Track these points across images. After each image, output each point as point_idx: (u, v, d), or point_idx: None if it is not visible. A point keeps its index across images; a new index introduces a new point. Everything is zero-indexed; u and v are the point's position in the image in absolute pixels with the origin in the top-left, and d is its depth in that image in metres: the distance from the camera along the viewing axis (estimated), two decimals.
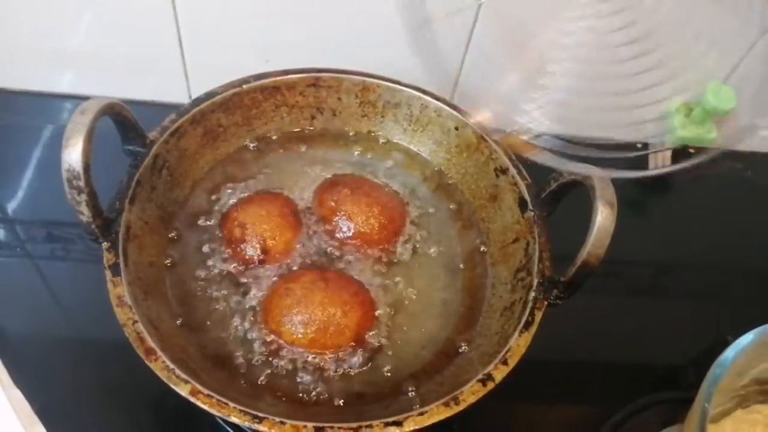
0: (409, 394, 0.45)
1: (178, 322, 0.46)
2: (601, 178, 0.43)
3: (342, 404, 0.44)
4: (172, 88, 0.69)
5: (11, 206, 0.61)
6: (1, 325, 0.54)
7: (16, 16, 0.62)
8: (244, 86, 0.54)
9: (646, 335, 0.60)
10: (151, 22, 0.62)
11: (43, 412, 0.47)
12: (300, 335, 0.45)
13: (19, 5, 0.61)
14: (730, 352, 0.53)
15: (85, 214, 0.41)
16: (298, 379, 0.45)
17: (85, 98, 0.50)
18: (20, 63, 0.67)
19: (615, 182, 0.72)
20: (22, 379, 0.48)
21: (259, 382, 0.44)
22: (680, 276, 0.66)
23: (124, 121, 0.46)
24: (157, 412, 0.52)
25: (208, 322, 0.47)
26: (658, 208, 0.72)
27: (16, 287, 0.57)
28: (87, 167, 0.40)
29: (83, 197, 0.40)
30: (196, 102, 0.52)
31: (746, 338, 0.54)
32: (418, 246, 0.53)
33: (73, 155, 0.39)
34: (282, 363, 0.45)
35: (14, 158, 0.64)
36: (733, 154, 0.75)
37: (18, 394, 0.46)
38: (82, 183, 0.40)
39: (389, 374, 0.46)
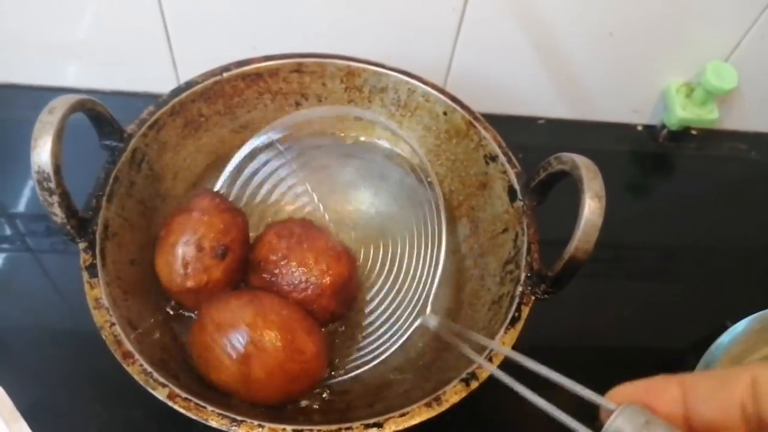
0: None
1: (161, 320, 0.45)
2: (589, 169, 0.41)
3: (327, 399, 0.44)
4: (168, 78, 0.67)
5: (12, 200, 0.60)
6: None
7: (15, 8, 0.60)
8: (225, 74, 0.52)
9: (648, 320, 0.59)
10: (139, 12, 0.60)
11: (31, 407, 0.47)
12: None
13: None
14: (724, 338, 0.52)
15: (58, 215, 0.40)
16: None
17: (87, 91, 0.49)
18: (20, 56, 0.65)
19: (616, 164, 0.71)
20: (11, 373, 0.48)
21: None
22: (684, 259, 0.64)
23: (98, 116, 0.45)
24: (148, 404, 0.52)
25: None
26: (662, 191, 0.70)
27: (16, 281, 0.57)
28: (57, 168, 0.39)
29: (55, 198, 0.39)
30: (176, 92, 0.50)
31: (741, 324, 0.53)
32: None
33: (42, 156, 0.38)
34: None
35: (15, 152, 0.64)
36: (737, 135, 0.73)
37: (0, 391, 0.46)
38: (53, 184, 0.39)
39: (374, 371, 0.45)
